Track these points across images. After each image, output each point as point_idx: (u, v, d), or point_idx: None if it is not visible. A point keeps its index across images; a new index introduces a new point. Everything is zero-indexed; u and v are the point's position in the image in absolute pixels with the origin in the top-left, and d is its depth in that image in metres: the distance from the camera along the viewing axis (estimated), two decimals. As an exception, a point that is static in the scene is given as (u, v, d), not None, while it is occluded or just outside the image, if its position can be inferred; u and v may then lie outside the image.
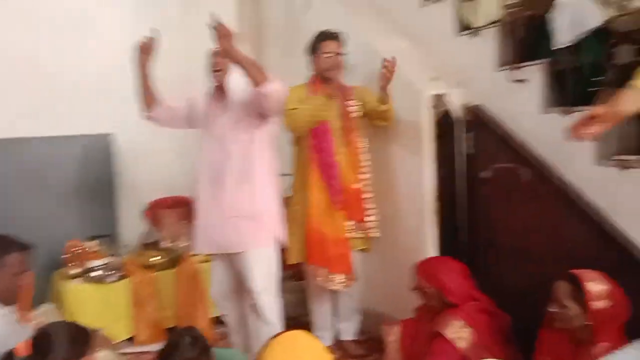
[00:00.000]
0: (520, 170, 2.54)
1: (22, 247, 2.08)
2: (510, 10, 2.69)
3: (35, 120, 3.76)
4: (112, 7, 4.12)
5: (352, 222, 2.92)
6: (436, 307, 2.33)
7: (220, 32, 2.27)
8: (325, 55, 2.91)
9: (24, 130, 3.74)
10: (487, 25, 2.79)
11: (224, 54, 2.37)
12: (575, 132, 1.81)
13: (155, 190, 4.13)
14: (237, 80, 2.56)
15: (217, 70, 2.58)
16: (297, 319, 3.57)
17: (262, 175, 2.62)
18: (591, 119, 1.76)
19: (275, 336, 1.56)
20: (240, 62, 2.33)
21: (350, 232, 2.91)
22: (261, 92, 2.35)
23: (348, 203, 2.90)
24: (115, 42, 3.93)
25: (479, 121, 2.75)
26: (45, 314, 3.09)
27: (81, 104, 3.91)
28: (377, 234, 2.97)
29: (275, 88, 2.36)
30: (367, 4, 3.52)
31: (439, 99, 2.80)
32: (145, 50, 2.67)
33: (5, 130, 3.67)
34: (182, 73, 4.19)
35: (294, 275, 3.80)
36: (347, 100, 2.95)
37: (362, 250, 3.02)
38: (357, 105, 2.96)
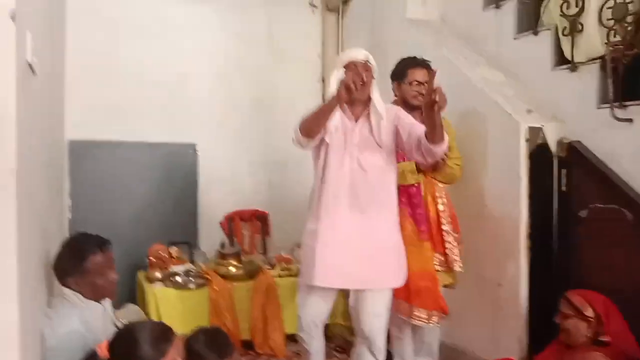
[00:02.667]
0: (617, 211, 2.46)
1: (104, 244, 2.12)
2: (613, 47, 2.64)
3: (124, 126, 3.98)
4: (201, 18, 4.32)
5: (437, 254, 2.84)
6: (577, 343, 2.23)
7: (441, 96, 2.12)
8: (414, 84, 2.82)
9: (114, 134, 3.96)
10: (589, 61, 2.75)
11: (430, 118, 2.19)
12: None
13: (233, 202, 4.27)
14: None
15: (363, 84, 2.32)
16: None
17: (395, 204, 2.53)
18: None
19: None
20: (435, 123, 2.19)
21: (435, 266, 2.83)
22: (434, 150, 2.27)
23: (431, 234, 2.82)
24: (202, 52, 4.16)
25: (575, 158, 2.69)
26: (130, 314, 3.22)
27: (168, 113, 4.11)
28: (459, 269, 2.85)
29: (443, 149, 2.31)
30: (458, 34, 3.54)
31: (534, 132, 2.77)
32: (350, 91, 2.26)
33: (96, 132, 3.89)
34: (267, 83, 4.38)
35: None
36: None
37: (446, 286, 2.91)
38: None
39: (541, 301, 2.73)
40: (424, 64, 2.87)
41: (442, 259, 2.85)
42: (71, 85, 3.76)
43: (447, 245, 2.85)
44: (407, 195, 2.78)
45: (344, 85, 2.23)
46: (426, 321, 2.75)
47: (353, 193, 2.40)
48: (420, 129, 2.33)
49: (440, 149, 2.28)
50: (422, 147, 2.29)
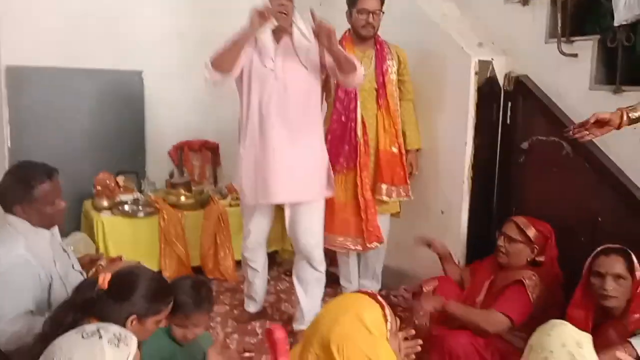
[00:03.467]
0: (557, 144, 2.58)
1: (52, 172, 2.06)
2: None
3: (65, 51, 3.73)
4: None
5: (386, 186, 2.94)
6: (516, 266, 2.33)
7: (322, 29, 2.34)
8: (363, 12, 2.82)
9: (55, 60, 3.72)
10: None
11: (328, 50, 2.45)
12: (576, 131, 1.97)
13: (181, 132, 4.18)
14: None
15: (283, 13, 2.46)
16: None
17: (320, 124, 2.71)
18: (594, 123, 1.91)
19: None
20: (338, 56, 2.43)
21: (389, 197, 2.95)
22: (348, 79, 2.51)
23: (383, 166, 2.93)
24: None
25: (521, 91, 2.76)
26: (76, 243, 3.19)
27: (114, 40, 3.89)
28: (410, 197, 3.01)
29: (359, 75, 2.51)
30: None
31: (484, 65, 2.81)
32: (263, 17, 2.39)
33: (35, 58, 3.64)
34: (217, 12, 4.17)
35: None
36: (383, 59, 2.91)
37: (393, 215, 3.08)
38: (392, 66, 2.93)
39: (481, 227, 2.89)
40: None
41: (396, 189, 2.96)
42: (6, 6, 3.47)
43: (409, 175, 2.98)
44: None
45: (258, 13, 2.34)
46: (357, 249, 2.94)
47: (279, 113, 2.52)
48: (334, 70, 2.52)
49: (351, 79, 2.50)
50: (338, 76, 2.52)
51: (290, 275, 3.62)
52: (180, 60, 4.01)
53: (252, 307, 3.03)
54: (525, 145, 2.72)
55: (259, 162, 2.56)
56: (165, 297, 1.77)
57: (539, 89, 2.70)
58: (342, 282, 3.23)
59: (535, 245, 2.34)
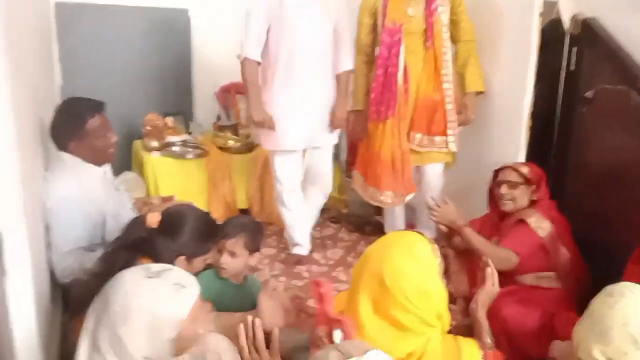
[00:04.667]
0: (625, 92, 2.40)
1: (100, 106, 2.09)
2: None
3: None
4: None
5: (420, 135, 2.85)
6: (520, 209, 2.34)
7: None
8: None
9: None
10: None
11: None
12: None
13: (229, 73, 4.13)
14: None
15: None
16: (365, 217, 3.67)
17: (330, 68, 2.85)
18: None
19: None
20: None
21: (422, 147, 2.87)
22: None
23: (419, 113, 2.83)
24: None
25: (588, 35, 2.57)
26: (127, 182, 3.26)
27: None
28: (454, 148, 2.89)
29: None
30: None
31: (549, 6, 2.62)
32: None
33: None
34: None
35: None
36: None
37: (445, 163, 3.00)
38: (444, 5, 2.78)
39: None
40: None
41: (437, 139, 2.86)
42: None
43: (449, 125, 2.84)
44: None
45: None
46: (391, 202, 2.90)
47: (301, 61, 2.73)
48: (340, 34, 2.82)
49: None
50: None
51: (336, 222, 3.66)
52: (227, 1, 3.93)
53: (297, 250, 3.08)
54: (590, 94, 2.54)
55: (283, 109, 2.78)
56: (212, 238, 1.79)
57: (608, 34, 2.49)
58: (387, 230, 3.21)
59: (534, 184, 2.36)
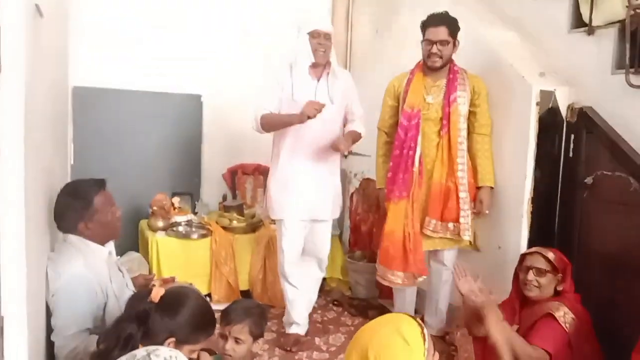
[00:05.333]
0: (624, 179, 2.44)
1: (102, 183, 2.14)
2: (634, 10, 2.55)
3: (129, 74, 3.90)
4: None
5: (435, 221, 2.85)
6: (545, 298, 2.29)
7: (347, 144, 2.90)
8: (427, 44, 2.80)
9: (119, 82, 3.89)
10: (607, 24, 2.67)
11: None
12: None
13: (236, 155, 4.25)
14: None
15: (323, 51, 2.85)
16: (368, 301, 3.63)
17: (338, 153, 3.04)
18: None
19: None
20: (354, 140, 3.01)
21: (436, 232, 2.86)
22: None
23: (433, 200, 2.84)
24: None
25: (585, 123, 2.65)
26: (131, 261, 3.26)
27: (176, 64, 4.03)
28: (468, 238, 2.87)
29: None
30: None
31: (546, 95, 2.72)
32: (313, 115, 2.75)
33: (101, 80, 3.83)
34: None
35: (365, 257, 3.84)
36: (454, 89, 2.82)
37: (468, 247, 2.98)
38: (463, 97, 2.83)
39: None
40: (438, 22, 2.79)
41: (453, 227, 2.86)
42: (76, 30, 3.67)
43: (462, 213, 2.84)
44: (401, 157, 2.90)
45: (306, 114, 2.72)
46: (402, 283, 2.86)
47: (308, 143, 2.90)
48: (354, 113, 3.04)
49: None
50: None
51: (338, 305, 3.60)
52: (238, 88, 4.10)
53: (294, 329, 3.05)
54: (589, 180, 2.59)
55: (289, 182, 2.94)
56: (206, 330, 1.77)
57: (604, 122, 2.57)
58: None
59: (560, 272, 2.31)
